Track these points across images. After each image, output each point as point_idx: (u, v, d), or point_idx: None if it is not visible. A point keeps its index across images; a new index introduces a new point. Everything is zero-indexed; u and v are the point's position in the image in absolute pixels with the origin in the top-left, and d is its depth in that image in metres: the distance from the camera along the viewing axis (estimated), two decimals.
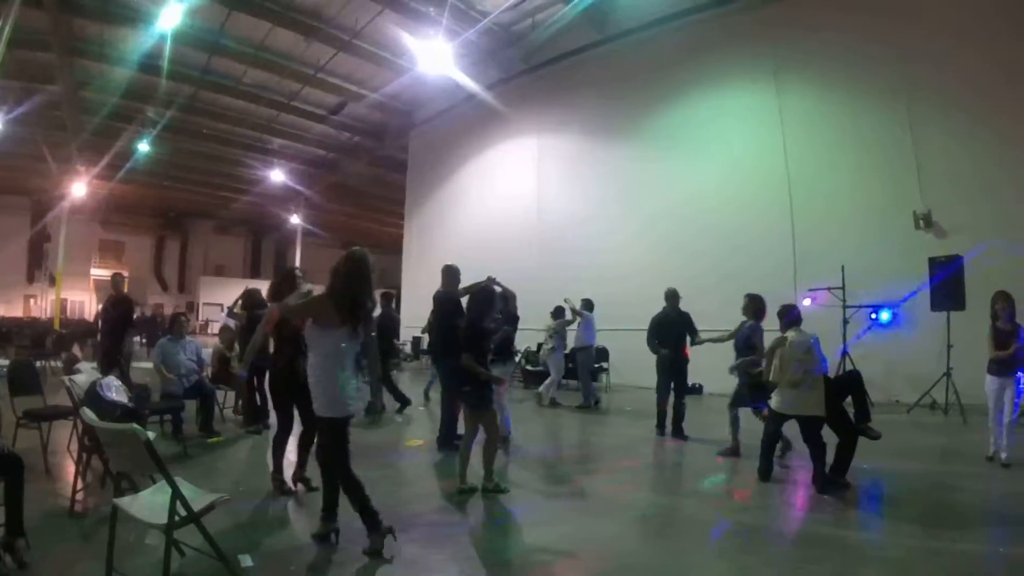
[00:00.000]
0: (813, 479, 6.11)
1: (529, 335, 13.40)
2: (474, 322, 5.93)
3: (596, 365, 13.40)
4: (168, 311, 30.43)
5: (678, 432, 8.78)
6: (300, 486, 5.78)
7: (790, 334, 6.45)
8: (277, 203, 32.69)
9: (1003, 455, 6.82)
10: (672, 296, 9.23)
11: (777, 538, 4.99)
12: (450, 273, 7.87)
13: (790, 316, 6.63)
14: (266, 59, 18.39)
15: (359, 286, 4.29)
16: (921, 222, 11.65)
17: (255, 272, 45.51)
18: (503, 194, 19.17)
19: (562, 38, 16.53)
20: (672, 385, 8.94)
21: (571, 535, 4.90)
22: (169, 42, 16.13)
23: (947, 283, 10.14)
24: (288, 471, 5.88)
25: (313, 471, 5.17)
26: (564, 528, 5.06)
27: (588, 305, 12.15)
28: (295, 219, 33.45)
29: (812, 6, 13.01)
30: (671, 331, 9.01)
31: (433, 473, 6.82)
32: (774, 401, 6.45)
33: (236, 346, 9.56)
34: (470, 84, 18.02)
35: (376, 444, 8.00)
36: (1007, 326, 6.94)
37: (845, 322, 11.18)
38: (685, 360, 9.13)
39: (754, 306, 7.67)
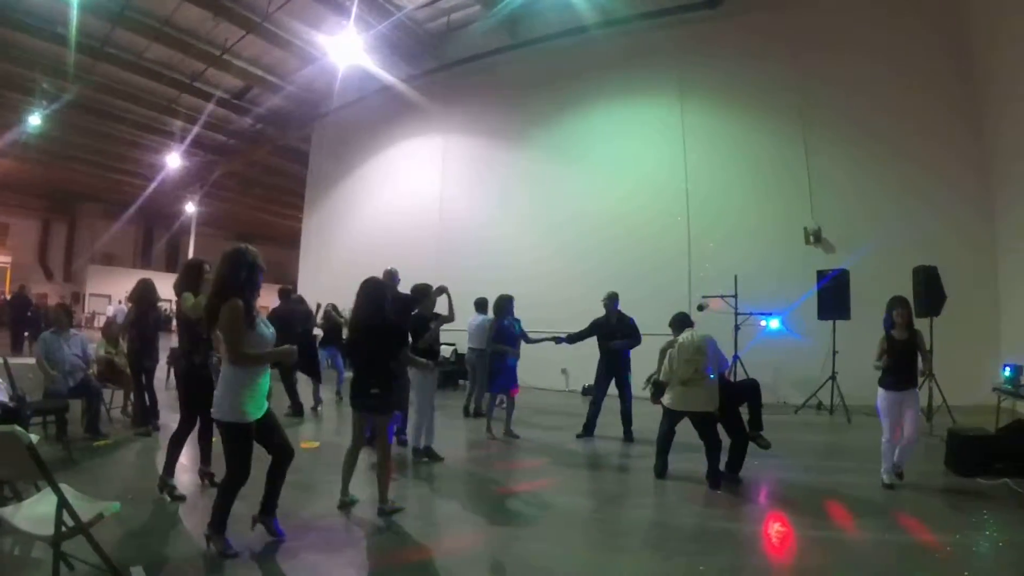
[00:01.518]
0: (707, 475, 6.39)
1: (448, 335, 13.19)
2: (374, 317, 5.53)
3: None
4: (52, 301, 28.40)
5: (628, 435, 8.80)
6: (206, 481, 5.60)
7: (682, 336, 6.72)
8: (173, 189, 30.87)
9: (889, 475, 6.27)
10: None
11: (674, 533, 5.16)
12: (389, 277, 7.87)
13: (679, 321, 6.96)
14: (171, 35, 17.39)
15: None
16: (811, 237, 12.46)
17: (146, 262, 42.90)
18: (406, 192, 18.88)
19: (475, 39, 16.60)
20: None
21: (475, 540, 4.94)
22: (76, 8, 15.15)
23: (833, 294, 10.78)
24: (182, 474, 5.63)
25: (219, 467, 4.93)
26: (467, 531, 5.12)
27: (480, 305, 11.43)
28: (191, 207, 31.74)
29: (718, 28, 13.59)
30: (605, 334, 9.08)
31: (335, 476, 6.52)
32: (666, 399, 6.69)
33: (122, 342, 9.01)
34: (381, 76, 17.72)
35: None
36: (903, 335, 6.35)
37: (736, 328, 11.67)
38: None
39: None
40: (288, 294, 10.89)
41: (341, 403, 11.24)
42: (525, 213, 16.10)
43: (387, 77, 17.94)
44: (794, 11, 12.92)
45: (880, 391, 6.39)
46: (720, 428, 6.57)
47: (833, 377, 10.59)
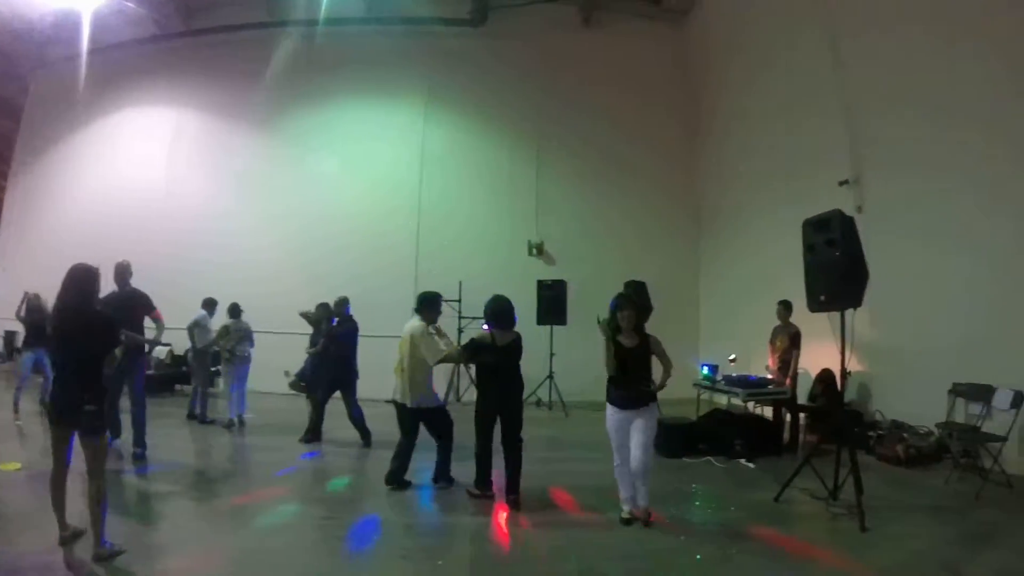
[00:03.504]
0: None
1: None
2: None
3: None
4: None
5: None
6: None
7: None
8: None
9: (630, 505, 5.18)
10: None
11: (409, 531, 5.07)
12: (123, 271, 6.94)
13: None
14: None
15: None
16: (534, 249, 13.15)
17: None
18: (132, 167, 15.32)
19: (230, 10, 14.78)
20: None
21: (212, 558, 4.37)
22: None
23: (551, 302, 11.46)
24: None
25: None
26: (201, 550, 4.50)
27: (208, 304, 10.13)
28: None
29: (475, 46, 13.80)
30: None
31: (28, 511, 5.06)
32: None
33: None
34: (119, 30, 14.94)
35: None
36: (632, 341, 5.24)
37: (460, 332, 11.78)
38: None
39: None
40: None
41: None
42: (261, 204, 14.49)
43: (126, 32, 15.14)
44: (546, 45, 13.76)
45: (608, 408, 5.29)
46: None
47: (551, 376, 11.22)
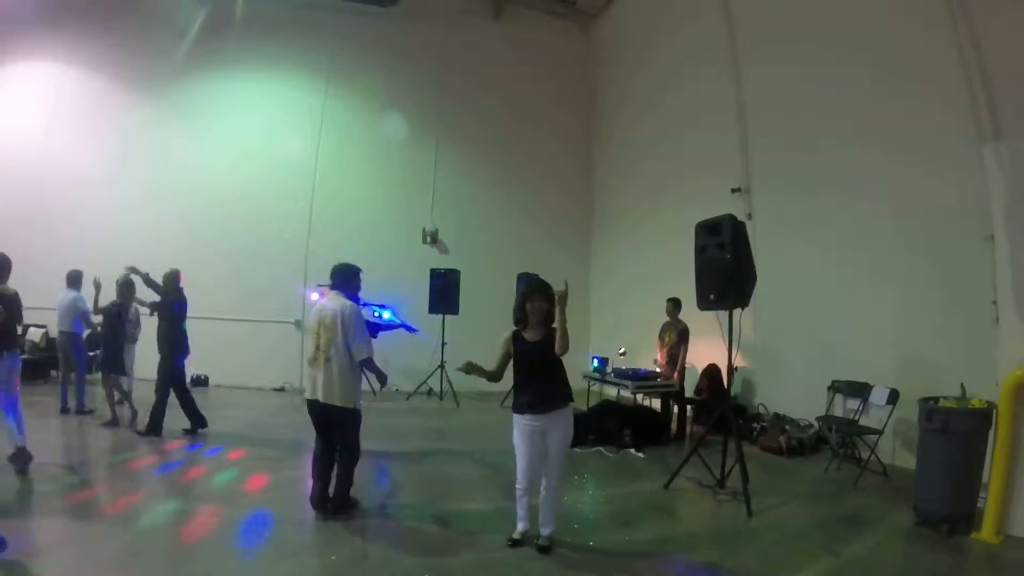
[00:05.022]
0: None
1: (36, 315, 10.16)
2: None
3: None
4: None
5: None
6: None
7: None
8: None
9: (543, 530, 4.40)
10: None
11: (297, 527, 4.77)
12: None
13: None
14: None
15: None
16: (429, 238, 12.98)
17: None
18: (6, 126, 14.10)
19: None
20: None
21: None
22: None
23: (444, 291, 11.37)
24: None
25: None
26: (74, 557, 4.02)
27: (73, 280, 8.99)
28: None
29: (382, 27, 13.31)
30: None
31: None
32: None
33: None
34: None
35: None
36: (537, 334, 4.42)
37: None
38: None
39: None
40: None
41: None
42: (143, 175, 13.25)
43: None
44: (455, 33, 13.57)
45: (515, 418, 4.44)
46: None
47: (442, 366, 11.07)
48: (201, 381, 11.45)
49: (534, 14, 14.00)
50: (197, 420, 7.66)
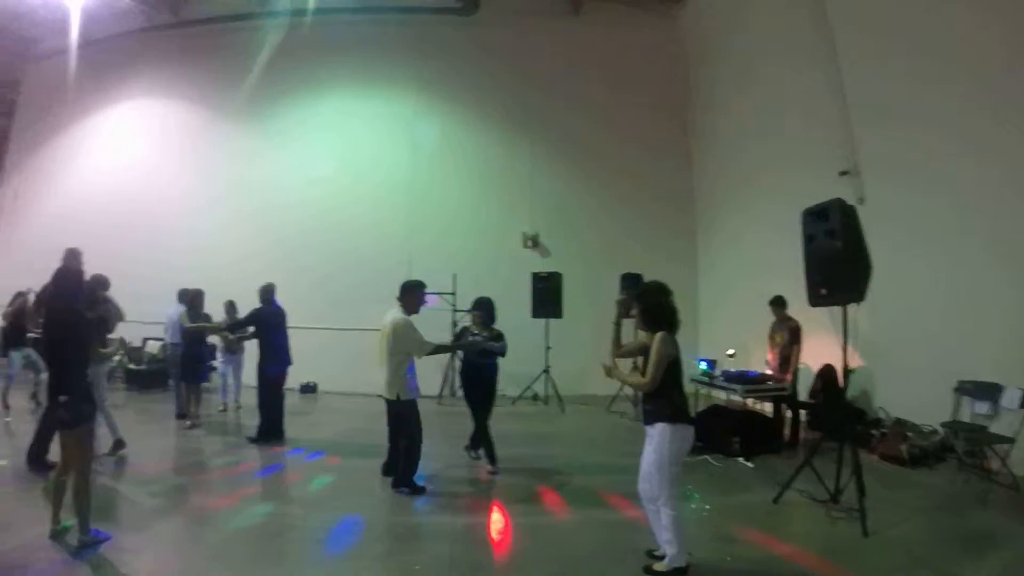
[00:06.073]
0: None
1: (136, 328, 11.17)
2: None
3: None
4: None
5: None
6: None
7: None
8: None
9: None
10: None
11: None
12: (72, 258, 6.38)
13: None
14: None
15: None
16: (529, 241, 12.92)
17: None
18: (122, 160, 15.35)
19: (218, 1, 14.60)
20: None
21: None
22: None
23: (546, 294, 11.21)
24: None
25: None
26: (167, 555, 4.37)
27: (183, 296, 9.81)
28: None
29: (466, 35, 13.57)
30: None
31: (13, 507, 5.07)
32: None
33: None
34: (108, 22, 14.65)
35: None
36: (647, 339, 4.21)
37: (455, 324, 11.61)
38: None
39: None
40: None
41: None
42: (247, 197, 14.21)
43: (116, 24, 14.79)
44: (537, 28, 13.55)
45: (671, 428, 4.08)
46: None
47: (547, 371, 11.00)
48: (310, 388, 12.12)
49: (615, 7, 13.66)
50: (274, 432, 7.98)
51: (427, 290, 6.53)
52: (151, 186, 14.54)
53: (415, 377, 6.02)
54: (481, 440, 6.69)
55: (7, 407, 8.92)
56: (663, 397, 4.11)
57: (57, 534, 4.35)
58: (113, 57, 15.43)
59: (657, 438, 4.07)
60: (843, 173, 8.36)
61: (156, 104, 15.19)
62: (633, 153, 13.31)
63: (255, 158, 14.19)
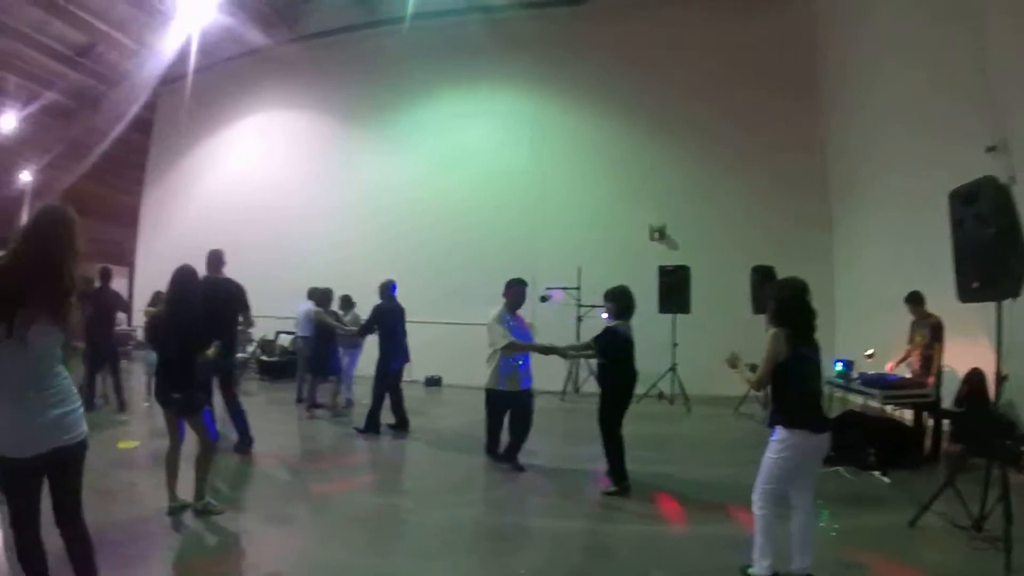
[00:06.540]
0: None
1: (266, 323, 12.08)
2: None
3: None
4: None
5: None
6: None
7: None
8: (4, 156, 26.12)
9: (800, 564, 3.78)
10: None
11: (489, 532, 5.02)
12: (215, 259, 7.02)
13: None
14: None
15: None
16: (656, 234, 12.63)
17: None
18: (248, 170, 17.01)
19: (332, 13, 15.57)
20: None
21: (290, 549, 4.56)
22: None
23: (673, 288, 10.91)
24: None
25: None
26: (279, 539, 4.75)
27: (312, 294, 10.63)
28: (26, 176, 26.65)
29: (578, 25, 13.51)
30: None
31: (140, 483, 5.67)
32: None
33: None
34: (233, 44, 16.19)
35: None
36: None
37: (579, 320, 11.59)
38: None
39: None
40: (108, 276, 9.51)
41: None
42: (371, 201, 15.10)
43: (240, 45, 16.32)
44: (654, 19, 13.15)
45: (784, 433, 3.81)
46: None
47: (673, 368, 10.74)
48: (435, 381, 12.60)
49: None
50: (401, 421, 8.49)
51: (527, 287, 7.11)
52: (277, 191, 15.97)
53: (506, 370, 6.57)
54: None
55: (150, 393, 9.89)
56: (775, 400, 3.98)
57: (174, 511, 4.82)
58: (238, 75, 17.01)
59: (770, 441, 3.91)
60: (990, 149, 7.38)
61: (279, 116, 16.54)
62: (759, 138, 12.55)
63: (375, 161, 14.98)
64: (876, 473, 6.37)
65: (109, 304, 9.34)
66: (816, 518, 3.93)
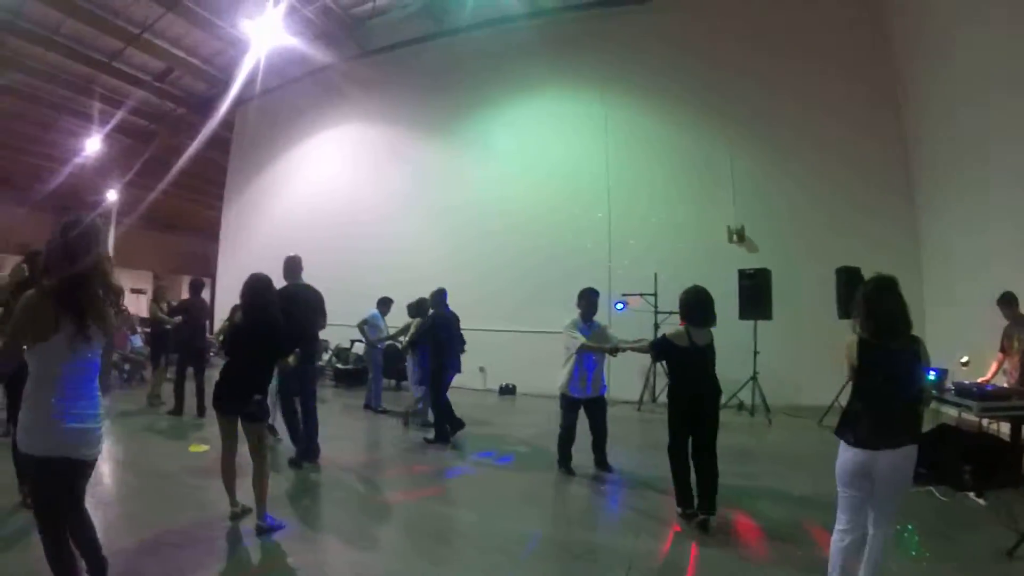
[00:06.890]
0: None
1: (341, 331, 12.51)
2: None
3: None
4: None
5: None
6: None
7: None
8: (92, 176, 28.18)
9: None
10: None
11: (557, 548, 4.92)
12: (293, 265, 7.19)
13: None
14: (88, 10, 15.71)
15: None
16: (734, 236, 12.29)
17: None
18: (323, 182, 17.84)
19: (398, 26, 16.02)
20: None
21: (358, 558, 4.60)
22: None
23: (754, 293, 10.52)
24: None
25: None
26: (337, 551, 4.78)
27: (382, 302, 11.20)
28: (112, 195, 28.74)
29: (643, 24, 13.29)
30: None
31: (205, 488, 5.83)
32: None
33: None
34: (303, 62, 17.07)
35: (155, 449, 7.40)
36: (900, 343, 3.56)
37: (656, 327, 11.40)
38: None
39: None
40: (199, 288, 10.27)
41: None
42: (440, 208, 15.45)
43: (310, 63, 17.16)
44: (719, 11, 12.85)
45: (842, 448, 3.61)
46: None
47: (754, 377, 10.40)
48: (509, 390, 12.64)
49: None
50: (440, 433, 8.34)
51: (600, 295, 7.19)
52: (350, 203, 16.61)
53: (579, 374, 6.80)
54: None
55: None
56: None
57: (236, 516, 4.99)
58: (309, 92, 17.96)
59: (905, 462, 3.56)
60: None
61: (350, 129, 17.20)
62: (834, 129, 11.92)
63: (444, 169, 15.29)
64: (971, 494, 5.94)
65: (198, 313, 10.04)
66: (886, 546, 3.59)
